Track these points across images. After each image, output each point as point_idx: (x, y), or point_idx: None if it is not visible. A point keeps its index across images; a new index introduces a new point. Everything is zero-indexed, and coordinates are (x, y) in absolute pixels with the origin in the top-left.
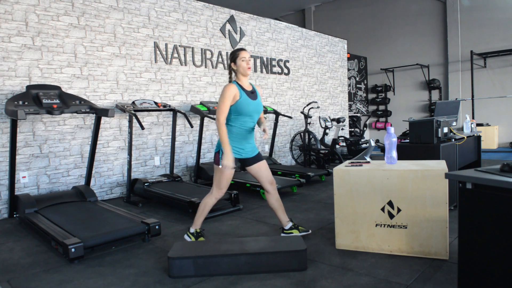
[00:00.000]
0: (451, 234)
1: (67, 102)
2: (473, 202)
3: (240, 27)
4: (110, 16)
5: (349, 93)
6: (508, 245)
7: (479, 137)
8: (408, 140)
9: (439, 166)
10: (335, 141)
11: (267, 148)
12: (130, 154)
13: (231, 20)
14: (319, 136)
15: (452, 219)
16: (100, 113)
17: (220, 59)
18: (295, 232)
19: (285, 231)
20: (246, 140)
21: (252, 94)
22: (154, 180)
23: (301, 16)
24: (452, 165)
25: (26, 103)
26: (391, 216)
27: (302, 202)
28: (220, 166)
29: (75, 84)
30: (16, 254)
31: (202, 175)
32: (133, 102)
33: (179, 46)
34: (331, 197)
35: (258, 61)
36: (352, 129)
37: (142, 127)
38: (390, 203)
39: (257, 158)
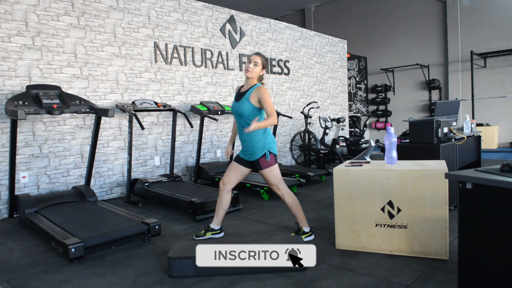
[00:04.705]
0: (451, 234)
1: (67, 102)
2: (473, 202)
3: (240, 27)
4: (110, 16)
5: (349, 93)
6: (508, 245)
7: (479, 137)
8: (408, 140)
9: (439, 166)
10: (335, 141)
11: None
12: (130, 154)
13: (231, 20)
14: (319, 136)
15: (452, 219)
16: (100, 113)
17: (220, 59)
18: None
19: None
20: (241, 139)
21: (239, 96)
22: (154, 180)
23: (301, 16)
24: (452, 165)
25: (26, 103)
26: (391, 216)
27: (302, 202)
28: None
29: (75, 84)
30: (16, 254)
31: (202, 175)
32: (133, 102)
33: (179, 46)
34: (331, 197)
35: None
36: (352, 129)
37: (142, 127)
38: (390, 203)
39: (252, 165)
